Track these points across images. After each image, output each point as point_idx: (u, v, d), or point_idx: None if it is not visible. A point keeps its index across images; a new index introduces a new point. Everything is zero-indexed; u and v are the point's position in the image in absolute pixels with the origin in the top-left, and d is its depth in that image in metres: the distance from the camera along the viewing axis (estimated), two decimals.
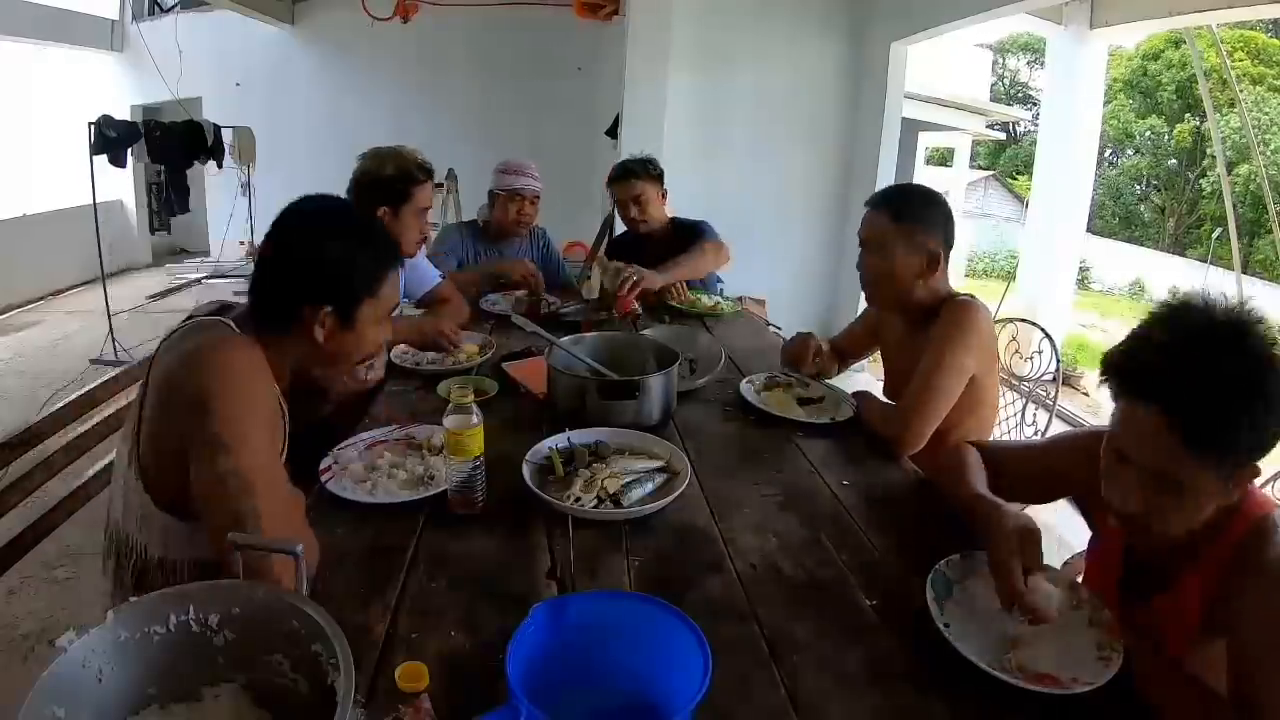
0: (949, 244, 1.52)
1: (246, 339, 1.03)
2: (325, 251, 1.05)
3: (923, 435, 1.43)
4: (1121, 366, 0.85)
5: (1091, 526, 1.11)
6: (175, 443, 0.95)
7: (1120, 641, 0.84)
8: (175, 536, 1.02)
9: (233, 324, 1.05)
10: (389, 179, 1.85)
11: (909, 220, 1.50)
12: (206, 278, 6.67)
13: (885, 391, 1.74)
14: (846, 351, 1.93)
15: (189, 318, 1.10)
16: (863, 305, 1.81)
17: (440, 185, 5.64)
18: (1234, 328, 0.79)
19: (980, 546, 0.98)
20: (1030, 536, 0.91)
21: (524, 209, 2.55)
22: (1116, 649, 0.81)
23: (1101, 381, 0.88)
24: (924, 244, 1.49)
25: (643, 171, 2.53)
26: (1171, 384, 0.79)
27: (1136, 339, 0.86)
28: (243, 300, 1.12)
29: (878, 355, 1.98)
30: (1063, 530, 1.98)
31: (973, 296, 1.53)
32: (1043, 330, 2.17)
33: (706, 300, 2.50)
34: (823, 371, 1.81)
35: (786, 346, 1.82)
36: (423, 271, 2.15)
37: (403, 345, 1.86)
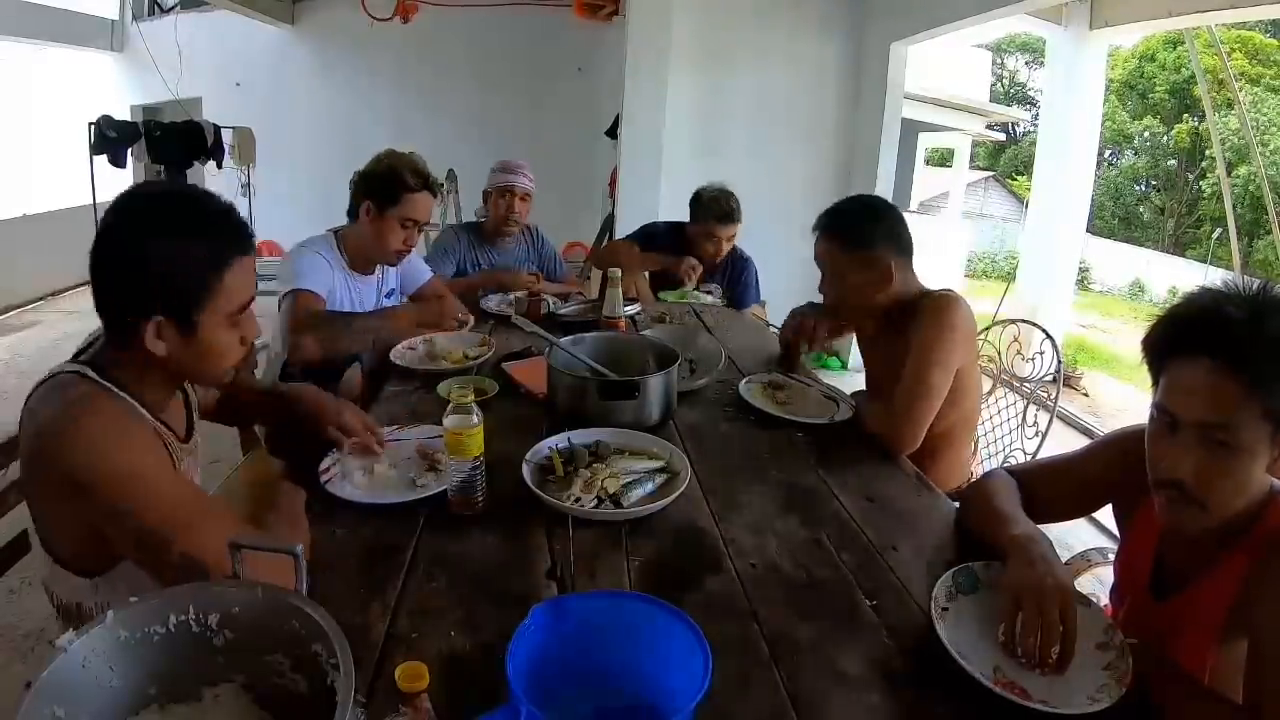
0: (904, 248, 1.56)
1: (90, 386, 0.92)
2: (142, 253, 0.89)
3: (918, 434, 1.44)
4: (1184, 322, 0.85)
5: (1122, 530, 1.09)
6: (68, 519, 0.92)
7: (1124, 689, 0.80)
8: (81, 589, 0.99)
9: (88, 368, 0.94)
10: (379, 175, 1.84)
11: (855, 244, 1.56)
12: None
13: (867, 385, 1.75)
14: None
15: (50, 374, 0.96)
16: None
17: (440, 186, 5.66)
18: None
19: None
20: (1066, 600, 0.85)
21: (514, 205, 2.57)
22: (1114, 696, 0.79)
23: (1152, 347, 0.88)
24: (874, 261, 1.53)
25: (739, 215, 2.67)
26: (1238, 332, 0.79)
27: (1191, 303, 0.86)
28: None
29: None
30: (1061, 532, 1.98)
31: (950, 290, 1.55)
32: (1044, 331, 2.17)
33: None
34: (831, 346, 1.83)
35: (784, 331, 1.83)
36: (415, 266, 2.17)
37: (404, 344, 1.86)
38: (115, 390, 0.94)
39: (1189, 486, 0.84)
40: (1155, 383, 0.88)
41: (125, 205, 0.93)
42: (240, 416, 1.44)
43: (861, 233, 1.56)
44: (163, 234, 0.90)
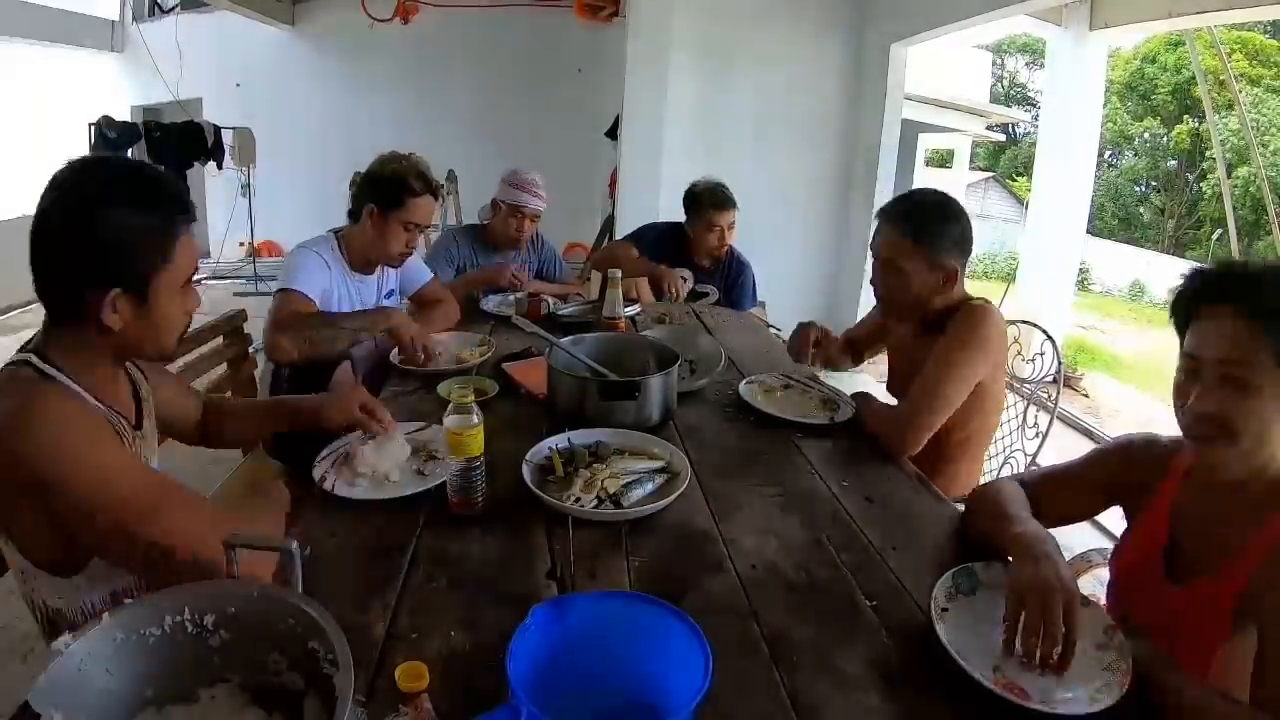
0: (967, 254, 1.51)
1: (36, 377, 0.91)
2: (95, 225, 0.88)
3: (920, 440, 1.44)
4: (1213, 275, 0.92)
5: (1131, 526, 1.09)
6: (31, 518, 0.90)
7: (1123, 689, 0.80)
8: (64, 589, 0.97)
9: (35, 358, 0.93)
10: (384, 179, 1.87)
11: (927, 240, 1.47)
12: (206, 279, 6.67)
13: (889, 389, 1.73)
14: (861, 344, 1.93)
15: None
16: (864, 304, 1.80)
17: (441, 188, 5.66)
18: None
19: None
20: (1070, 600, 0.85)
21: (522, 225, 2.56)
22: (1114, 696, 0.79)
23: (1180, 303, 0.93)
24: (943, 261, 1.48)
25: (734, 201, 2.67)
26: (1257, 283, 0.86)
27: (1219, 261, 0.95)
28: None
29: (879, 356, 1.98)
30: (1060, 533, 1.97)
31: (987, 301, 1.52)
32: (1044, 332, 2.17)
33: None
34: (832, 363, 1.80)
35: (789, 342, 1.81)
36: (414, 267, 2.18)
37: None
38: (62, 378, 0.92)
39: (1215, 417, 0.87)
40: (1182, 341, 0.93)
41: (68, 180, 0.91)
42: (234, 435, 1.39)
43: (937, 232, 1.47)
44: (114, 205, 0.89)
